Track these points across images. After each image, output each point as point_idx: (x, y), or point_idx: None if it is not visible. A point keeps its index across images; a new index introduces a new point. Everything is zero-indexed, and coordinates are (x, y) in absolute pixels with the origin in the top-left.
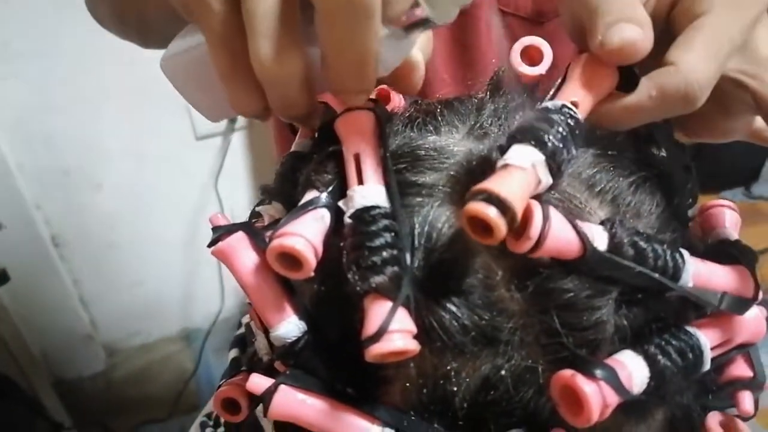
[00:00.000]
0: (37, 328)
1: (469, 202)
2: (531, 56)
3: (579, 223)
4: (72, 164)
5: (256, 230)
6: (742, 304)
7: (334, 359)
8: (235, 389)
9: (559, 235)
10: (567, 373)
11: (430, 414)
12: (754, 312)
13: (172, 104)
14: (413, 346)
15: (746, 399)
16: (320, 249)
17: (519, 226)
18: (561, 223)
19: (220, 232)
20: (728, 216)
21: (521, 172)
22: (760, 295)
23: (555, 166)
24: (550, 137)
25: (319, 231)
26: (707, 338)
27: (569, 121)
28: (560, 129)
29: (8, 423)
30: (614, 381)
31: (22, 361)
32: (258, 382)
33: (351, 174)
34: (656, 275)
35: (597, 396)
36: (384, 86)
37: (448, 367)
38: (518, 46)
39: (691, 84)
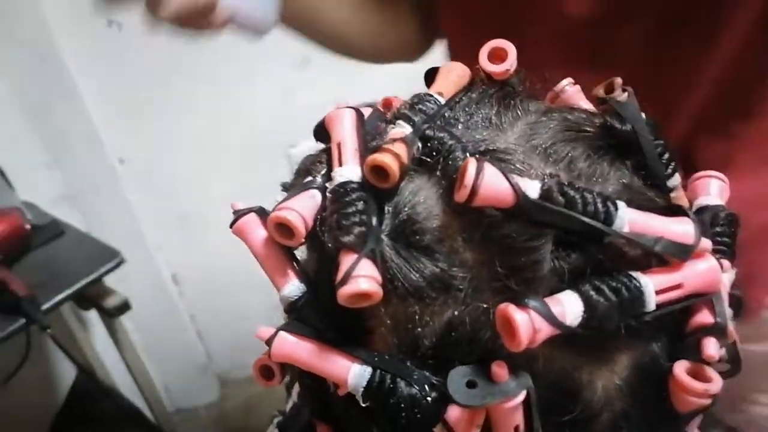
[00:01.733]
0: (158, 359)
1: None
2: (499, 56)
3: (514, 176)
4: (189, 209)
5: (266, 212)
6: (680, 249)
7: (328, 314)
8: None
9: (493, 185)
10: (503, 305)
11: (403, 355)
12: (709, 262)
13: (274, 151)
14: (375, 288)
15: (710, 345)
16: (310, 220)
17: (459, 179)
18: (494, 175)
19: (238, 215)
20: (714, 185)
21: (401, 141)
22: (707, 245)
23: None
24: (415, 117)
25: (309, 206)
26: (651, 281)
27: (431, 105)
28: (423, 109)
29: None
30: (545, 311)
31: (146, 391)
32: (265, 331)
33: (334, 159)
34: (586, 219)
35: (526, 322)
36: (389, 97)
37: (413, 313)
38: (486, 49)
39: None
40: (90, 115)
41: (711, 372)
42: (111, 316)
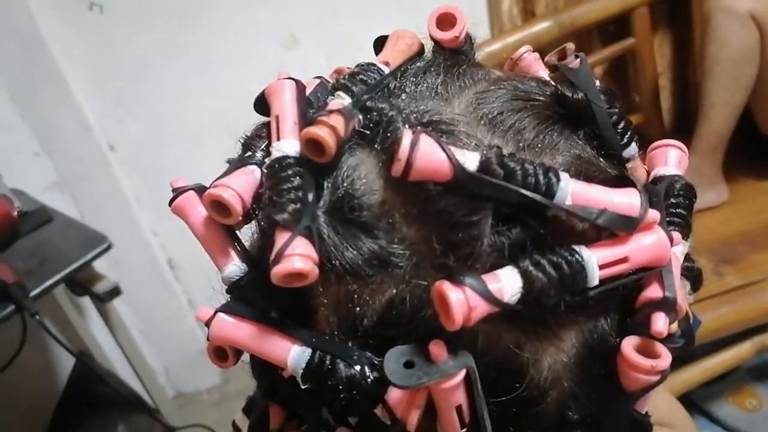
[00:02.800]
0: (158, 344)
1: (306, 128)
2: (448, 20)
3: (452, 148)
4: None
5: (206, 189)
6: (624, 222)
7: (270, 294)
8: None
9: (429, 158)
10: (439, 282)
11: (344, 335)
12: (657, 234)
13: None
14: (309, 267)
15: (658, 320)
16: (248, 198)
17: (394, 153)
18: (430, 148)
19: (177, 193)
20: (672, 154)
21: (338, 112)
22: (654, 217)
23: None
24: (355, 88)
25: (247, 183)
26: (595, 255)
27: (374, 75)
28: (364, 80)
29: (132, 427)
30: (480, 287)
31: (143, 375)
32: (204, 311)
33: (273, 133)
34: (523, 191)
35: (460, 300)
36: (341, 66)
37: (352, 291)
38: (433, 14)
39: None
40: (78, 101)
41: (660, 348)
42: (102, 300)
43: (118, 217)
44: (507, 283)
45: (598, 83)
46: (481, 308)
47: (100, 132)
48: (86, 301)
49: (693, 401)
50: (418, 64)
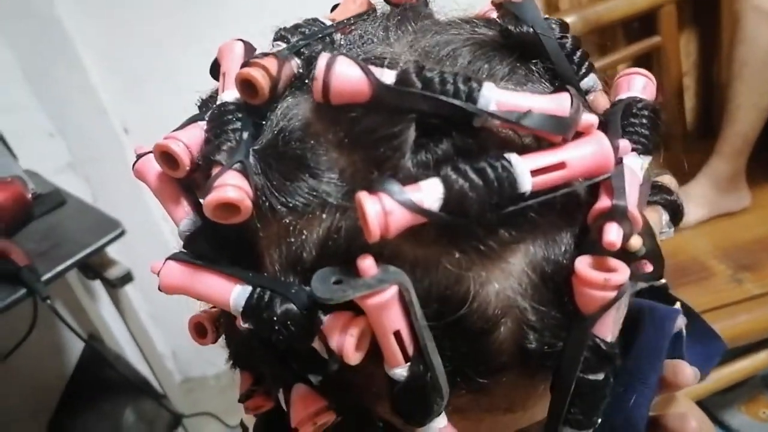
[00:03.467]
0: (167, 328)
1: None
2: None
3: (371, 67)
4: None
5: None
6: (554, 123)
7: (222, 243)
8: (204, 318)
9: (345, 76)
10: (357, 194)
11: (287, 272)
12: (597, 139)
13: None
14: (241, 197)
15: (610, 230)
16: (196, 151)
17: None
18: (348, 67)
19: (137, 157)
20: (637, 81)
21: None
22: (590, 120)
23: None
24: (293, 37)
25: (195, 136)
26: (525, 161)
27: (315, 28)
28: (303, 31)
29: (139, 411)
30: (399, 194)
31: (151, 360)
32: (157, 264)
33: (220, 89)
34: (442, 97)
35: (375, 207)
36: None
37: (288, 225)
38: None
39: None
40: (93, 83)
41: (614, 262)
42: (113, 286)
43: (131, 200)
44: (427, 191)
45: (548, 17)
46: (400, 216)
47: (115, 114)
48: (96, 284)
49: (706, 409)
50: (364, 19)
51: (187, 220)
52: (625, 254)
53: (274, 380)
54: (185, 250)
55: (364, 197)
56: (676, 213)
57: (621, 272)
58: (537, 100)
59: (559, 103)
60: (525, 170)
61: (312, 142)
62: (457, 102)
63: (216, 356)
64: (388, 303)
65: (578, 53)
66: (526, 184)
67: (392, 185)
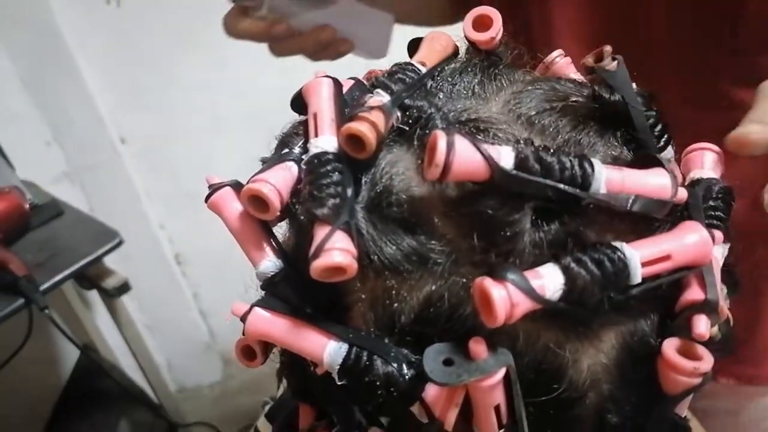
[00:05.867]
0: (162, 338)
1: (347, 124)
2: (484, 23)
3: (486, 146)
4: (192, 188)
5: (242, 186)
6: (658, 205)
7: (306, 290)
8: (254, 341)
9: (466, 159)
10: (480, 278)
11: (381, 332)
12: (699, 232)
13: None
14: (349, 261)
15: (700, 322)
16: (285, 193)
17: (429, 156)
18: (467, 148)
19: (213, 189)
20: (708, 157)
21: (378, 109)
22: (683, 196)
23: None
24: (394, 86)
25: (284, 178)
26: (637, 252)
27: (411, 74)
28: (402, 78)
29: (134, 422)
30: (523, 283)
31: (147, 370)
32: (239, 306)
33: (311, 130)
34: (561, 186)
35: (503, 296)
36: (374, 69)
37: (390, 287)
38: (470, 16)
39: None
40: (91, 92)
41: (701, 350)
42: (111, 296)
43: (127, 209)
44: (549, 280)
45: (635, 86)
46: (523, 305)
47: (112, 124)
48: (92, 294)
49: None
50: (453, 64)
51: (269, 262)
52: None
53: (347, 423)
54: (264, 292)
55: (490, 285)
56: (734, 286)
57: (707, 361)
58: (641, 180)
59: (663, 185)
60: (638, 264)
61: (419, 208)
62: (576, 191)
63: (210, 366)
64: (497, 384)
65: (660, 126)
66: (638, 277)
67: (516, 274)
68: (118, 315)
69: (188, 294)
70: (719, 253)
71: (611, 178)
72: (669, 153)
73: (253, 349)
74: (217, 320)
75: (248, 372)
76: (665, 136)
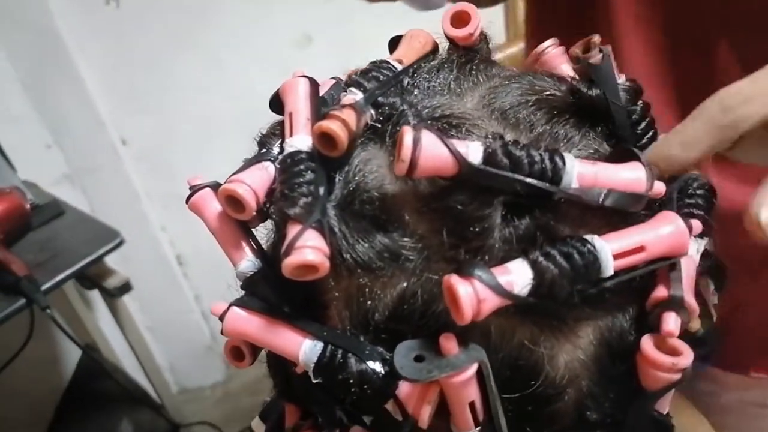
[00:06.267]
0: (164, 339)
1: (318, 122)
2: (462, 19)
3: (455, 141)
4: None
5: (220, 186)
6: (630, 200)
7: (284, 289)
8: (242, 342)
9: (433, 154)
10: (447, 275)
11: (356, 329)
12: (674, 222)
13: None
14: (320, 259)
15: (669, 320)
16: (262, 193)
17: (397, 152)
18: (433, 143)
19: (193, 190)
20: None
21: (350, 107)
22: (659, 190)
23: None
24: (368, 84)
25: (261, 178)
26: (609, 245)
27: (386, 72)
28: (376, 76)
29: (136, 422)
30: (490, 280)
31: (149, 371)
32: (219, 306)
33: (286, 130)
34: (530, 180)
35: (469, 292)
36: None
37: (363, 285)
38: (447, 12)
39: None
40: (91, 95)
41: (681, 345)
42: (112, 296)
43: (128, 211)
44: (517, 275)
45: (623, 79)
46: (491, 301)
47: (112, 126)
48: (94, 295)
49: None
50: (432, 62)
51: (247, 261)
52: (685, 334)
53: (329, 421)
54: (243, 291)
55: (457, 282)
56: (720, 278)
57: (686, 356)
58: (615, 175)
59: (637, 178)
60: (609, 256)
61: (391, 205)
62: (545, 186)
63: (212, 367)
64: (469, 380)
65: (644, 123)
66: (610, 269)
67: (483, 271)
68: (120, 315)
69: (190, 296)
70: (693, 248)
71: (583, 173)
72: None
73: (241, 350)
74: (219, 321)
75: (250, 373)
76: (650, 132)
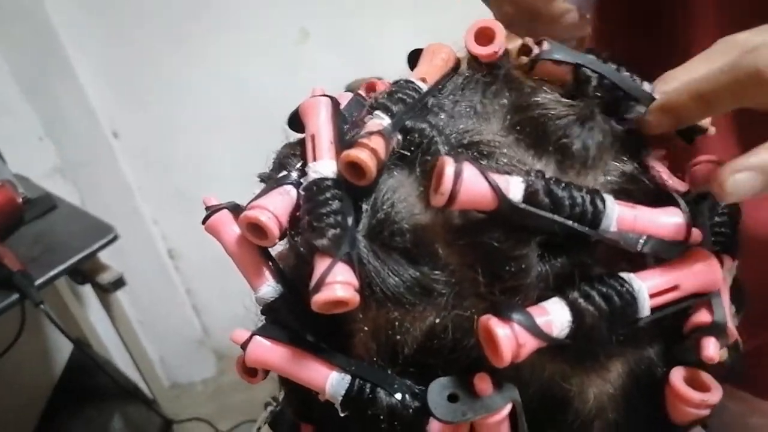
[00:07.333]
0: (155, 334)
1: (346, 151)
2: (486, 35)
3: (495, 176)
4: (185, 183)
5: (239, 208)
6: (669, 247)
7: (306, 316)
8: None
9: (473, 189)
10: (485, 317)
11: (384, 362)
12: (707, 261)
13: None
14: (351, 295)
15: (709, 345)
16: (284, 219)
17: (436, 183)
18: (475, 177)
19: (210, 212)
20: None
21: (378, 134)
22: (697, 237)
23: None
24: (395, 107)
25: (283, 204)
26: (645, 284)
27: (412, 93)
28: (403, 98)
29: (127, 417)
30: (529, 323)
31: (141, 365)
32: (240, 334)
33: (308, 153)
34: (570, 222)
35: (509, 337)
36: (372, 80)
37: (393, 318)
38: (471, 28)
39: None
40: (84, 87)
41: (710, 380)
42: (106, 291)
43: (120, 205)
44: (555, 317)
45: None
46: (530, 344)
47: (104, 118)
48: (85, 289)
49: None
50: (456, 80)
51: (268, 287)
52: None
53: None
54: (264, 317)
55: (496, 325)
56: (741, 303)
57: (716, 392)
58: (654, 220)
59: (676, 226)
60: (646, 295)
61: (423, 237)
62: (585, 229)
63: (203, 363)
64: (503, 420)
65: (623, 68)
66: (647, 309)
67: (522, 315)
68: (113, 310)
69: (181, 290)
70: (727, 274)
71: (623, 216)
72: (647, 87)
73: (255, 368)
74: (211, 316)
75: None
76: (633, 75)
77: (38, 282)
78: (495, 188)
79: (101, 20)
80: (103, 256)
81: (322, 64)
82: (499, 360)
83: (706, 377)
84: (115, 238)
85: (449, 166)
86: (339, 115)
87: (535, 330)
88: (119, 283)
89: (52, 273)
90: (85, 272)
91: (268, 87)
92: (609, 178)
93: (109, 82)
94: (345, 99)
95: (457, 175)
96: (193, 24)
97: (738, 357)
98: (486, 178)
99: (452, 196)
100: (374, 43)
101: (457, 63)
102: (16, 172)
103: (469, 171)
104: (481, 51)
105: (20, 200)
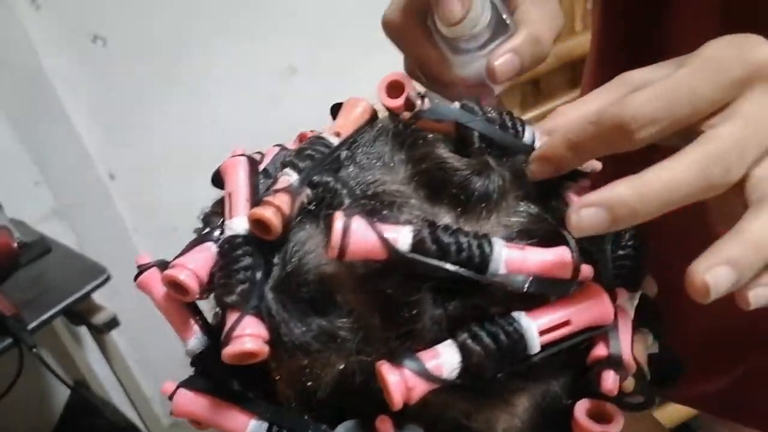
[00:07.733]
0: (153, 373)
1: (252, 209)
2: (398, 88)
3: (386, 226)
4: (180, 222)
5: (167, 265)
6: (556, 286)
7: (233, 367)
8: None
9: (362, 241)
10: (380, 363)
11: (301, 406)
12: (598, 296)
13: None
14: (259, 347)
15: (608, 377)
16: (205, 275)
17: (328, 236)
18: (363, 230)
19: (140, 270)
20: None
21: (283, 191)
22: (587, 274)
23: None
24: (302, 164)
25: (204, 260)
26: (537, 322)
27: (321, 149)
28: (311, 155)
29: None
30: (418, 368)
31: (139, 405)
32: (168, 386)
33: (226, 210)
34: (455, 268)
35: (398, 382)
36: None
37: (303, 366)
38: (383, 81)
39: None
40: (78, 131)
41: (613, 411)
42: (100, 332)
43: (116, 246)
44: (446, 359)
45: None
46: (420, 387)
47: (100, 161)
48: (83, 331)
49: (692, 429)
50: (371, 132)
51: (195, 340)
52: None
53: None
54: (193, 369)
55: (387, 370)
56: (659, 329)
57: (617, 422)
58: (543, 260)
59: (563, 264)
60: (535, 333)
61: (327, 287)
62: (470, 274)
63: None
64: None
65: (506, 115)
66: (536, 346)
67: (411, 359)
68: (108, 350)
69: None
70: (629, 305)
71: (511, 258)
72: (529, 134)
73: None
74: None
75: None
76: (518, 123)
77: (32, 325)
78: (383, 239)
79: (94, 65)
80: (99, 298)
81: (310, 100)
82: (393, 403)
83: (611, 408)
84: (107, 279)
85: (338, 221)
86: (256, 174)
87: (424, 374)
88: (113, 323)
89: (45, 316)
90: (80, 313)
91: (258, 123)
92: (514, 219)
93: (104, 125)
94: (271, 154)
95: (345, 229)
96: (185, 65)
97: (645, 382)
98: (375, 230)
99: (342, 249)
100: (359, 79)
101: (374, 115)
102: (12, 216)
103: (357, 224)
104: (392, 103)
105: (15, 245)
